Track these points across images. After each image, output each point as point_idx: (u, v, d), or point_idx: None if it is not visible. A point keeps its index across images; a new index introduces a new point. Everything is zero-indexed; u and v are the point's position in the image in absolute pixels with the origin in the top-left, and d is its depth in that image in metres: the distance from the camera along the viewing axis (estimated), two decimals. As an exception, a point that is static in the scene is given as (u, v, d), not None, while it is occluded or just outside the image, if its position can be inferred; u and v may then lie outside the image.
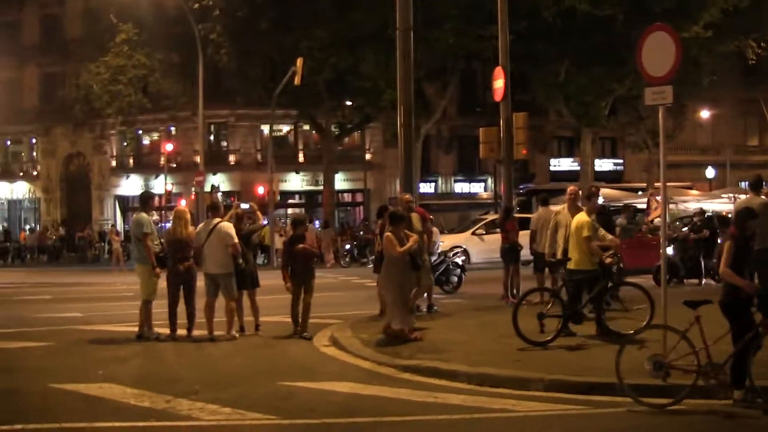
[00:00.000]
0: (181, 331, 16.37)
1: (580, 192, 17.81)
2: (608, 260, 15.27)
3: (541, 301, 19.84)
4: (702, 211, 23.32)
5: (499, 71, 22.82)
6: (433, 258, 22.80)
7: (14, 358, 14.65)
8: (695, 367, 10.29)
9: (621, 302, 16.44)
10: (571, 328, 14.85)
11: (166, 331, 16.37)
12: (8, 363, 14.06)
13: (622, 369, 10.51)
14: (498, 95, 22.78)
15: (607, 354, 12.54)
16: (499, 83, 22.72)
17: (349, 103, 50.93)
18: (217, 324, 16.39)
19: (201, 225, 17.26)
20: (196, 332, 16.42)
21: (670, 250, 22.26)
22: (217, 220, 16.66)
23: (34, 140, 71.23)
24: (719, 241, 22.80)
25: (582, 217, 15.15)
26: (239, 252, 16.38)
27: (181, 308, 16.41)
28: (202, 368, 13.51)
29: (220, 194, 59.57)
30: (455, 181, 66.57)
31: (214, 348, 15.53)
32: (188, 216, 17.06)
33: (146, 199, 17.99)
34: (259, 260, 23.08)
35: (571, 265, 15.24)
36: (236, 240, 16.31)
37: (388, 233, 15.19)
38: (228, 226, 16.47)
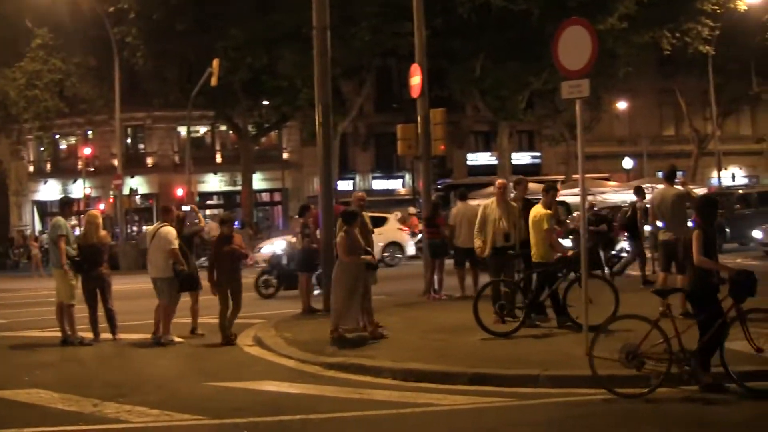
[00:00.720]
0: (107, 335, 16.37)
1: (511, 185, 18.07)
2: (570, 252, 15.43)
3: (462, 296, 20.19)
4: (591, 206, 23.43)
5: (415, 68, 22.95)
6: None
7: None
8: (667, 355, 10.35)
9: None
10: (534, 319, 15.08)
11: (90, 335, 16.31)
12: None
13: (593, 360, 10.53)
14: (415, 92, 22.89)
15: (562, 343, 13.27)
16: (416, 80, 22.83)
17: (265, 102, 50.84)
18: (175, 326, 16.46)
19: (148, 228, 17.22)
20: (121, 335, 16.44)
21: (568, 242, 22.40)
22: (162, 224, 16.63)
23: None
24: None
25: (540, 210, 15.31)
26: (177, 257, 16.24)
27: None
28: (127, 371, 13.55)
29: (138, 197, 59.23)
30: (373, 178, 66.80)
31: (138, 351, 15.55)
32: (100, 220, 17.00)
33: (65, 203, 17.94)
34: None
35: (534, 258, 15.32)
36: (174, 245, 16.17)
37: (342, 234, 15.10)
38: (168, 231, 16.36)
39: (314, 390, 11.49)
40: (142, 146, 65.01)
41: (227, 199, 63.41)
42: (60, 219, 16.65)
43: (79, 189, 59.95)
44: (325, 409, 10.42)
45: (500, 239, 16.12)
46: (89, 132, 62.57)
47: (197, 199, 53.34)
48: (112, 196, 52.71)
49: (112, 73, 45.44)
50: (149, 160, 63.78)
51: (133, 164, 60.63)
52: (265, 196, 66.58)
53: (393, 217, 40.11)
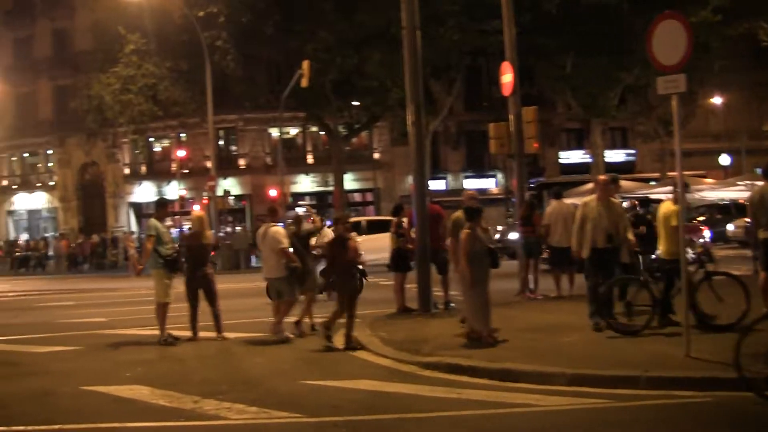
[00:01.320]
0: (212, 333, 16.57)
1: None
2: (698, 249, 15.03)
3: (558, 295, 19.97)
4: (633, 206, 22.01)
5: (506, 66, 22.78)
6: None
7: (45, 361, 14.88)
8: None
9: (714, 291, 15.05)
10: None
11: (189, 333, 16.55)
12: (39, 366, 14.28)
13: (740, 360, 9.91)
14: (506, 90, 22.73)
15: (662, 344, 13.00)
16: (507, 78, 22.66)
17: (355, 103, 51.01)
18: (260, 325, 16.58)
19: (260, 229, 17.39)
20: (227, 333, 16.74)
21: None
22: (271, 224, 16.91)
23: (49, 151, 71.98)
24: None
25: (668, 206, 14.99)
26: (288, 255, 16.47)
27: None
28: (225, 369, 13.68)
29: (231, 198, 59.84)
30: (465, 177, 66.55)
31: (236, 348, 15.72)
32: (205, 220, 17.27)
33: (160, 205, 18.27)
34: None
35: (663, 255, 15.03)
36: (284, 244, 16.41)
37: (466, 230, 14.52)
38: (277, 231, 16.66)
39: (411, 389, 11.45)
40: (234, 148, 65.73)
41: (319, 199, 63.83)
42: (152, 220, 16.94)
43: (173, 190, 60.82)
44: (422, 408, 10.38)
45: (601, 240, 15.09)
46: (182, 135, 63.44)
47: (290, 200, 53.66)
48: (205, 197, 53.31)
49: (203, 76, 46.00)
50: (242, 162, 64.45)
51: (226, 166, 61.35)
52: (357, 197, 66.81)
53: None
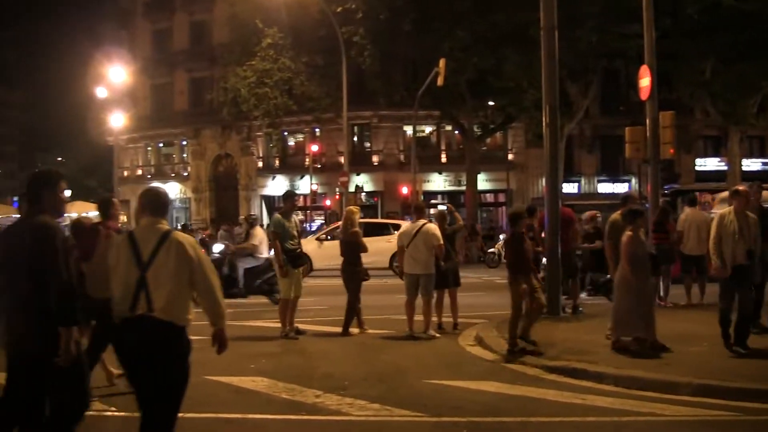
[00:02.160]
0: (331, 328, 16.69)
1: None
2: None
3: (688, 304, 19.51)
4: (593, 218, 20.56)
5: (644, 69, 22.36)
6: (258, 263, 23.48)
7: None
8: None
9: None
10: None
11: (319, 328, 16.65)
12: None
13: None
14: (644, 94, 22.31)
15: None
16: (645, 82, 22.24)
17: (491, 103, 50.81)
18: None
19: (405, 226, 17.50)
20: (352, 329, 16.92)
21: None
22: (423, 221, 17.00)
23: (184, 142, 73.49)
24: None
25: None
26: (442, 253, 16.67)
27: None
28: (349, 364, 13.73)
29: (363, 194, 60.18)
30: (598, 181, 65.81)
31: (361, 345, 15.75)
32: (357, 217, 17.43)
33: (287, 196, 18.30)
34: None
35: None
36: (441, 241, 16.58)
37: (629, 232, 13.88)
38: (434, 228, 16.77)
39: (534, 393, 11.32)
40: (367, 144, 66.06)
41: (451, 198, 63.75)
42: (276, 216, 17.13)
43: (305, 185, 61.42)
44: (546, 412, 10.25)
45: (741, 256, 13.64)
46: (317, 129, 64.03)
47: (422, 198, 53.70)
48: (338, 193, 53.75)
49: (339, 72, 46.30)
50: (375, 158, 64.72)
51: (359, 162, 61.71)
52: (489, 197, 66.63)
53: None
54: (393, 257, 31.43)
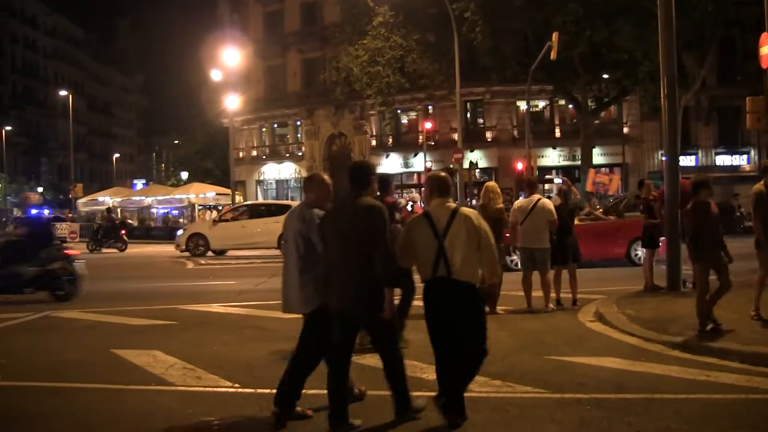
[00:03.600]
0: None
1: None
2: None
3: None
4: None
5: (765, 37, 21.75)
6: None
7: (291, 327, 15.05)
8: None
9: None
10: None
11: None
12: (286, 332, 14.43)
13: None
14: (765, 62, 21.69)
15: None
16: (765, 50, 21.64)
17: (605, 76, 50.07)
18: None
19: (520, 201, 17.40)
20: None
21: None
22: (537, 196, 17.03)
23: (298, 122, 74.12)
24: None
25: None
26: (556, 228, 16.72)
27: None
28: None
29: (477, 171, 59.99)
30: (716, 154, 64.49)
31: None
32: (498, 192, 17.35)
33: (384, 182, 17.95)
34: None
35: None
36: (556, 216, 16.65)
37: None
38: (549, 203, 16.88)
39: (658, 369, 11.11)
40: (481, 120, 65.84)
41: (566, 173, 63.13)
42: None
43: (419, 162, 61.53)
44: (670, 389, 10.04)
45: None
46: (429, 107, 64.02)
47: (536, 173, 53.30)
48: (452, 170, 53.69)
49: (451, 48, 46.13)
50: (488, 135, 64.52)
51: (473, 138, 61.57)
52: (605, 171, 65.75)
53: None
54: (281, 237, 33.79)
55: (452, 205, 8.83)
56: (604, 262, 26.23)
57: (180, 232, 43.66)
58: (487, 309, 11.07)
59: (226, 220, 41.05)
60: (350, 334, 8.92)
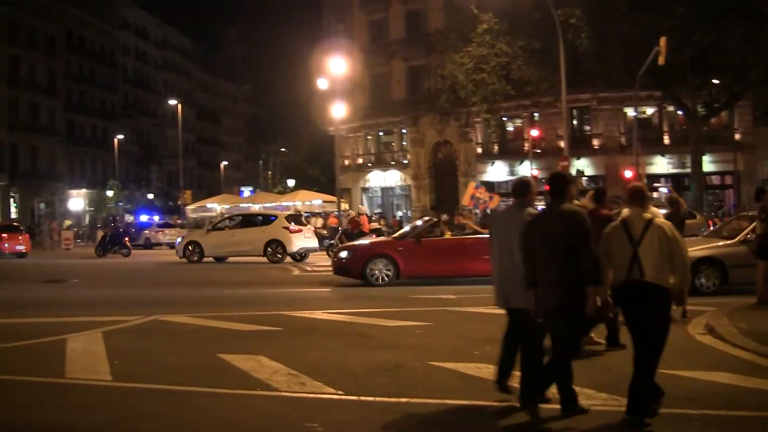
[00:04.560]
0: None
1: None
2: None
3: None
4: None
5: None
6: None
7: (396, 335, 15.26)
8: None
9: None
10: None
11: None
12: (391, 340, 14.67)
13: None
14: None
15: None
16: None
17: (715, 81, 49.08)
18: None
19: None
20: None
21: None
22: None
23: (404, 130, 74.32)
24: None
25: None
26: None
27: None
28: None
29: (584, 179, 59.41)
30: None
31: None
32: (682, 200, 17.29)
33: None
34: None
35: None
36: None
37: None
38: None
39: (771, 385, 10.77)
40: (587, 127, 65.17)
41: (676, 181, 62.07)
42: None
43: (525, 170, 61.14)
44: (785, 407, 9.71)
45: None
46: (535, 114, 63.64)
47: (645, 181, 52.50)
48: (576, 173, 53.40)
49: (556, 55, 45.67)
50: (595, 142, 63.80)
51: (579, 146, 60.95)
52: (715, 179, 64.40)
53: (281, 216, 42.35)
54: (267, 245, 39.57)
55: (648, 215, 9.42)
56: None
57: (179, 240, 45.74)
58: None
59: (220, 229, 42.49)
60: (549, 329, 9.80)
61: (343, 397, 10.41)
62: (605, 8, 44.96)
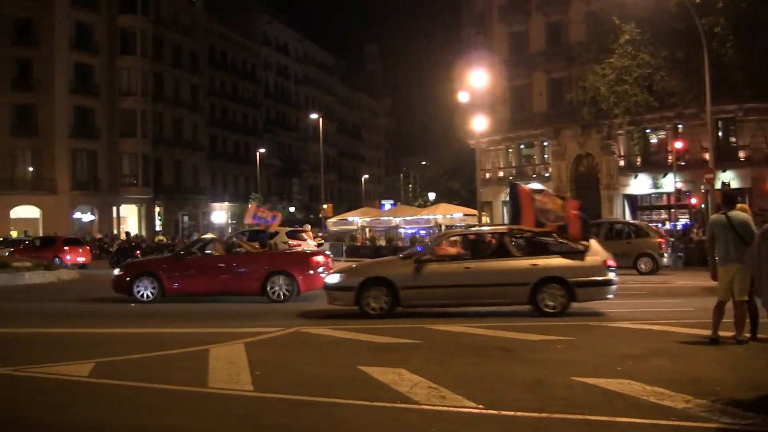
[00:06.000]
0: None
1: None
2: None
3: None
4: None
5: None
6: None
7: (537, 349, 15.14)
8: None
9: None
10: None
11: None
12: (532, 354, 14.56)
13: None
14: None
15: None
16: None
17: None
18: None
19: None
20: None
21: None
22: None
23: (545, 143, 73.94)
24: None
25: None
26: None
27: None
28: (720, 369, 13.03)
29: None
30: None
31: (734, 347, 14.95)
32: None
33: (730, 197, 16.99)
34: None
35: None
36: None
37: None
38: None
39: None
40: (733, 139, 63.67)
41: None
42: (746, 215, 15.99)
43: (669, 183, 60.13)
44: None
45: None
46: (679, 125, 62.56)
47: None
48: (702, 191, 52.20)
49: (700, 65, 44.87)
50: (741, 154, 62.28)
51: (724, 158, 59.54)
52: None
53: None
54: None
55: None
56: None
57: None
58: None
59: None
60: None
61: (484, 411, 10.35)
62: (751, 16, 44.04)
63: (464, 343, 16.31)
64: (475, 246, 22.36)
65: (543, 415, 10.00)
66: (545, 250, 21.16)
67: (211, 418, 10.36)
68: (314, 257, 27.63)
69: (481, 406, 10.56)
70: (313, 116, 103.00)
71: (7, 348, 16.68)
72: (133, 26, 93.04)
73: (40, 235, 73.75)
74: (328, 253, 33.94)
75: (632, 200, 66.61)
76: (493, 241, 22.30)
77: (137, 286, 26.76)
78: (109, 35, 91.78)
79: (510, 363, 13.79)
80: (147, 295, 26.69)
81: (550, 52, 72.23)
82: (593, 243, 21.19)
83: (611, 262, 20.68)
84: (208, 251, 28.75)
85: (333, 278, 22.05)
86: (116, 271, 28.36)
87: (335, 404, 10.88)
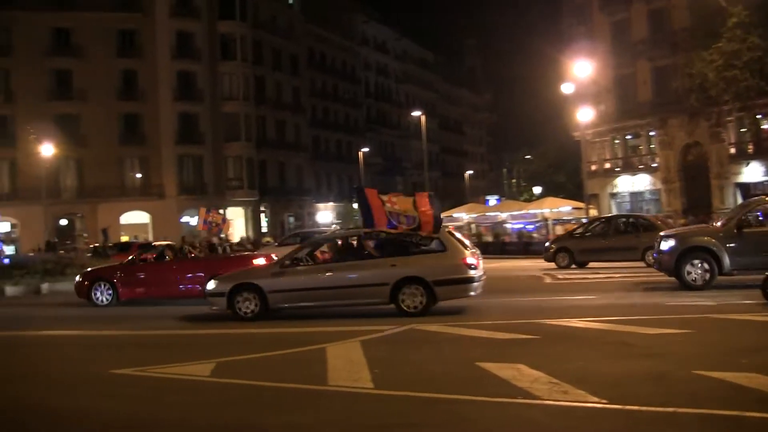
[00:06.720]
0: None
1: None
2: None
3: None
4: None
5: None
6: None
7: (657, 343, 14.84)
8: None
9: None
10: None
11: None
12: (652, 348, 14.25)
13: None
14: None
15: None
16: None
17: None
18: None
19: None
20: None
21: None
22: None
23: (651, 133, 73.09)
24: None
25: None
26: None
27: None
28: None
29: None
30: None
31: None
32: None
33: None
34: None
35: None
36: None
37: None
38: None
39: None
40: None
41: None
42: None
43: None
44: None
45: None
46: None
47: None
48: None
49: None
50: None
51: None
52: None
53: None
54: None
55: None
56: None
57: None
58: None
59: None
60: None
61: (608, 406, 10.16)
62: None
63: (582, 337, 16.10)
64: (340, 250, 23.18)
65: (670, 409, 9.77)
66: (405, 251, 21.68)
67: (336, 417, 10.38)
68: (254, 259, 28.49)
69: (605, 401, 10.37)
70: (416, 113, 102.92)
71: (127, 350, 17.02)
72: (233, 32, 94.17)
73: (150, 239, 75.13)
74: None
75: (745, 189, 65.15)
76: (355, 244, 23.16)
77: (95, 291, 28.43)
78: (209, 42, 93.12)
79: (630, 357, 13.54)
80: (103, 300, 28.29)
81: (653, 40, 71.07)
82: (453, 241, 21.61)
83: (471, 260, 21.13)
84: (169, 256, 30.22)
85: (210, 285, 22.76)
86: (77, 278, 29.93)
87: (457, 401, 10.82)
